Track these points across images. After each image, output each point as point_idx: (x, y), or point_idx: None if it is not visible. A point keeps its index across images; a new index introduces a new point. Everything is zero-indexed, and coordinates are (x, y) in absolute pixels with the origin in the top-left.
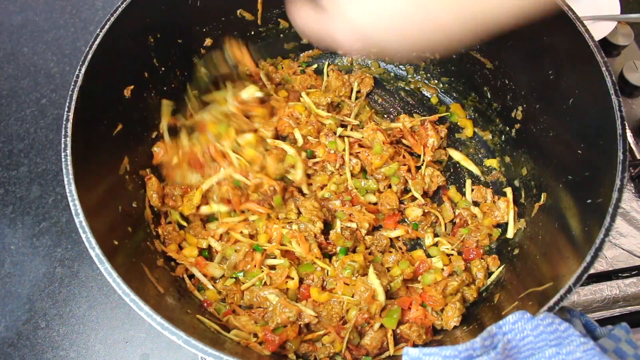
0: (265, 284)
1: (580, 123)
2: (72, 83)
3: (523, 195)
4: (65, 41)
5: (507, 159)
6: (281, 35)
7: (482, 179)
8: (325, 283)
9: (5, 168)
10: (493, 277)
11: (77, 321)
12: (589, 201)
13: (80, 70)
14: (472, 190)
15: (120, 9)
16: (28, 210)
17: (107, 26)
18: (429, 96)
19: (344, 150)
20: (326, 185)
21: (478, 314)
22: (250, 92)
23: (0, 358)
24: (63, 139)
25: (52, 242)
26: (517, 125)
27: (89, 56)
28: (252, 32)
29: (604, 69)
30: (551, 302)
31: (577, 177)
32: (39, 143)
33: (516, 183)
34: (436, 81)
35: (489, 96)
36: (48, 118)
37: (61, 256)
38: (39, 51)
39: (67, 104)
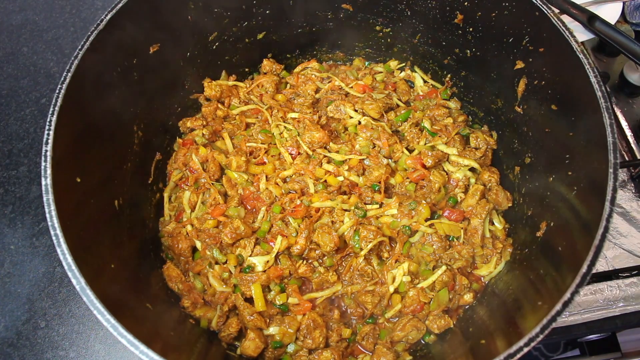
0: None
1: None
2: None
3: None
4: (65, 41)
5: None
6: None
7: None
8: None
9: (5, 168)
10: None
11: (77, 321)
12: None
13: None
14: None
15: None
16: (28, 210)
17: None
18: None
19: None
20: None
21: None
22: None
23: (0, 358)
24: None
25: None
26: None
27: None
28: None
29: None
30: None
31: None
32: (39, 143)
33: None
34: None
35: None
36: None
37: None
38: (38, 51)
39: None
